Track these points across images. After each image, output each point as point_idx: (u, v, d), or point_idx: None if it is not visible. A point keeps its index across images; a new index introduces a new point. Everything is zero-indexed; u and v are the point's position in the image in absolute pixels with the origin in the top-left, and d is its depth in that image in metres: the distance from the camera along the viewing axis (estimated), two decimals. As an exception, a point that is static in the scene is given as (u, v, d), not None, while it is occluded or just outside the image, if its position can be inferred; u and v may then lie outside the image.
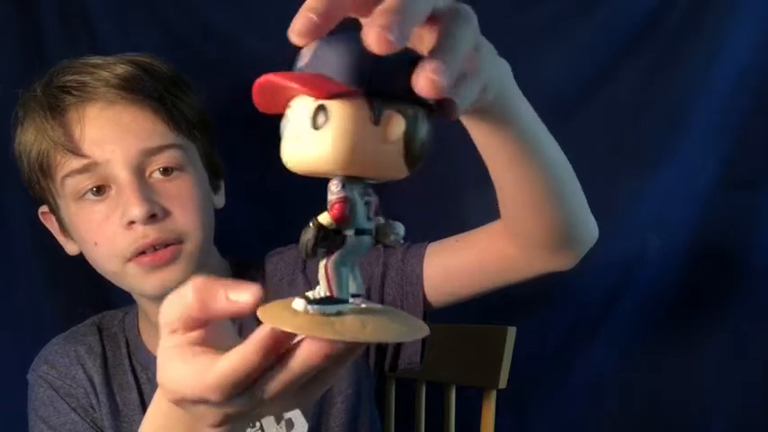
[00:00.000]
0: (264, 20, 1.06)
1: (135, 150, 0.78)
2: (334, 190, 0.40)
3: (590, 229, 0.73)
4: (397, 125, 0.38)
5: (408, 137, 0.39)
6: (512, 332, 1.02)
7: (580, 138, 1.06)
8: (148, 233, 0.77)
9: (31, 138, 0.81)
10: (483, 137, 0.60)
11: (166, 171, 0.80)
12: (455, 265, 0.81)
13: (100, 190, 0.79)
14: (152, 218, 0.77)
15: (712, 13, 1.02)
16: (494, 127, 0.58)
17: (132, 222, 0.77)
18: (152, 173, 0.80)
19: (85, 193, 0.79)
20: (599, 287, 1.07)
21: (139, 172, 0.78)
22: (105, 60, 0.81)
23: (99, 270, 0.84)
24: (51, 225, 0.88)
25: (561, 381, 1.10)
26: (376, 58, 0.36)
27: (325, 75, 0.38)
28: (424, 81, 0.37)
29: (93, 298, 1.10)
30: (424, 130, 0.40)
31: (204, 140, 0.86)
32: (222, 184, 0.91)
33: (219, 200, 0.90)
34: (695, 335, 1.08)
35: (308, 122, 0.38)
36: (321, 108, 0.38)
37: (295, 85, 0.38)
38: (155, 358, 0.87)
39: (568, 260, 0.74)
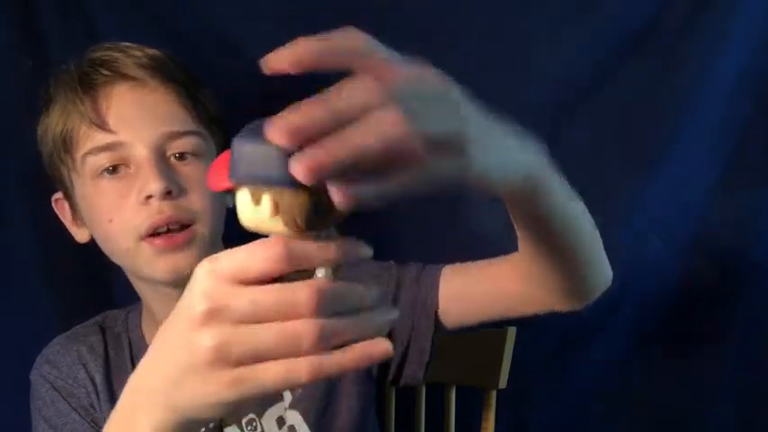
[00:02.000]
0: (265, 19, 1.06)
1: (157, 133, 0.80)
2: None
3: (606, 277, 0.74)
4: (264, 206, 0.43)
5: (285, 213, 0.43)
6: (512, 332, 1.02)
7: (580, 138, 1.06)
8: (164, 209, 0.79)
9: (58, 114, 0.82)
10: (513, 214, 0.61)
11: (183, 156, 0.82)
12: (471, 295, 0.82)
13: (116, 169, 0.80)
14: (168, 194, 0.79)
15: (712, 13, 1.02)
16: (523, 208, 0.59)
17: (149, 197, 0.78)
18: (170, 157, 0.82)
19: (103, 171, 0.80)
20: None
21: (159, 153, 0.80)
22: (136, 44, 0.84)
23: (111, 252, 0.84)
24: (63, 213, 0.89)
25: (561, 381, 1.10)
26: (244, 156, 0.42)
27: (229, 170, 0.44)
28: (295, 165, 0.39)
29: (93, 298, 1.10)
30: (302, 205, 0.43)
31: (220, 138, 0.87)
32: None
33: (230, 199, 0.90)
34: (695, 335, 1.08)
35: None
36: None
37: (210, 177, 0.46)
38: None
39: (581, 304, 0.76)
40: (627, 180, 1.05)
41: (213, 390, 0.44)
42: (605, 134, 1.06)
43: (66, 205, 0.88)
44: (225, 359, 0.43)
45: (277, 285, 0.43)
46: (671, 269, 1.07)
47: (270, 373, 0.43)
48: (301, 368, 0.43)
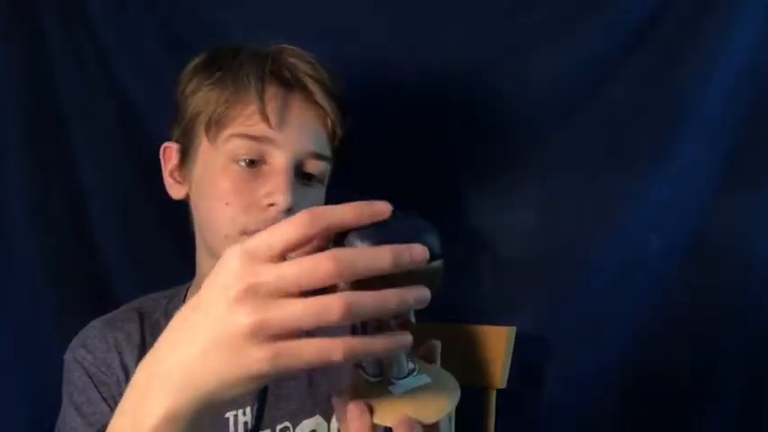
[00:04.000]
0: (265, 19, 1.06)
1: (304, 148, 0.84)
2: None
3: None
4: None
5: None
6: (512, 332, 1.02)
7: (580, 138, 1.06)
8: (278, 220, 0.79)
9: (229, 86, 0.84)
10: None
11: (310, 177, 0.85)
12: None
13: (253, 162, 0.82)
14: (288, 211, 0.81)
15: (712, 12, 1.02)
16: None
17: (272, 205, 0.81)
18: (301, 174, 0.84)
19: (241, 159, 0.82)
20: (599, 287, 1.07)
21: (297, 167, 0.83)
22: (319, 60, 0.86)
23: (206, 228, 0.85)
24: (167, 162, 0.90)
25: (561, 381, 1.10)
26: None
27: None
28: None
29: (93, 298, 1.10)
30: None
31: (333, 165, 0.89)
32: None
33: None
34: (695, 335, 1.08)
35: None
36: None
37: None
38: None
39: None
40: (627, 180, 1.05)
41: (247, 363, 0.47)
42: (605, 134, 1.06)
43: (176, 158, 0.89)
44: (263, 334, 0.46)
45: (306, 257, 0.46)
46: (671, 269, 1.07)
47: (306, 348, 0.47)
48: (336, 346, 0.46)
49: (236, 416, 0.85)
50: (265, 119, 0.81)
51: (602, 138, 1.06)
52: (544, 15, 1.05)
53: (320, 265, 0.46)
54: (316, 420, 0.86)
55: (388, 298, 0.47)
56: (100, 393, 0.86)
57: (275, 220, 0.79)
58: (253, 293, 0.47)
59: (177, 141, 0.88)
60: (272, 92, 0.83)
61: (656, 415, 1.09)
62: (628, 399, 1.09)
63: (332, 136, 0.87)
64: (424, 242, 0.49)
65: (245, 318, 0.46)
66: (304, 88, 0.85)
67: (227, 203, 0.82)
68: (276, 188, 0.81)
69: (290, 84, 0.84)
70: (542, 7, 1.05)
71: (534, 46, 1.05)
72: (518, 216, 1.09)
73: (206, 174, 0.85)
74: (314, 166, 0.85)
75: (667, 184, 1.05)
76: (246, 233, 0.81)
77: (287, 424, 0.86)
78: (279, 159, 0.82)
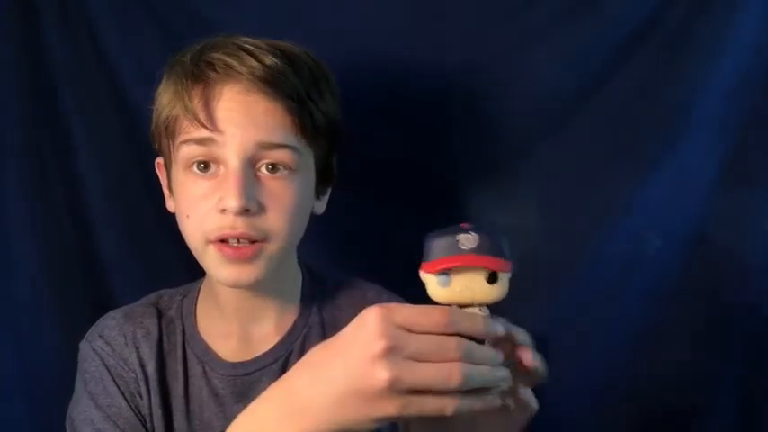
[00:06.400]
0: (265, 19, 1.06)
1: (253, 141, 0.79)
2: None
3: None
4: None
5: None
6: (512, 332, 1.02)
7: (580, 138, 1.06)
8: (237, 225, 0.78)
9: (166, 99, 0.82)
10: None
11: (275, 168, 0.81)
12: None
13: (207, 166, 0.80)
14: (245, 212, 0.78)
15: (712, 13, 1.02)
16: None
17: (225, 210, 0.79)
18: (261, 166, 0.81)
19: (194, 164, 0.80)
20: (599, 287, 1.07)
21: (250, 163, 0.79)
22: (257, 46, 0.81)
23: (185, 239, 0.84)
24: (162, 177, 0.89)
25: (561, 380, 1.10)
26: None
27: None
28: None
29: (93, 297, 1.10)
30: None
31: (325, 146, 0.86)
32: (329, 190, 0.91)
33: (320, 206, 0.90)
34: (695, 335, 1.08)
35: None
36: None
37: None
38: (210, 349, 0.89)
39: None
40: (626, 180, 1.05)
41: (379, 410, 0.57)
42: (605, 134, 1.06)
43: (164, 173, 0.88)
44: (397, 388, 0.56)
45: (436, 336, 0.58)
46: (671, 269, 1.07)
47: (428, 403, 0.58)
48: (449, 403, 0.58)
49: None
50: (201, 122, 0.78)
51: (602, 138, 1.06)
52: (544, 15, 1.05)
53: (448, 350, 0.58)
54: None
55: (492, 376, 0.60)
56: (117, 386, 0.85)
57: (234, 226, 0.78)
58: (393, 353, 0.56)
59: (161, 155, 0.87)
60: (204, 93, 0.79)
61: (655, 416, 1.09)
62: (627, 399, 1.09)
63: (299, 123, 0.81)
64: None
65: (384, 373, 0.56)
66: (239, 82, 0.79)
67: (187, 216, 0.81)
68: (226, 192, 0.78)
69: (224, 79, 0.80)
70: (542, 7, 1.05)
71: (534, 45, 1.05)
72: (517, 216, 1.09)
73: (175, 188, 0.84)
74: (274, 157, 0.80)
75: (667, 184, 1.05)
76: (210, 242, 0.80)
77: None
78: (228, 159, 0.79)
